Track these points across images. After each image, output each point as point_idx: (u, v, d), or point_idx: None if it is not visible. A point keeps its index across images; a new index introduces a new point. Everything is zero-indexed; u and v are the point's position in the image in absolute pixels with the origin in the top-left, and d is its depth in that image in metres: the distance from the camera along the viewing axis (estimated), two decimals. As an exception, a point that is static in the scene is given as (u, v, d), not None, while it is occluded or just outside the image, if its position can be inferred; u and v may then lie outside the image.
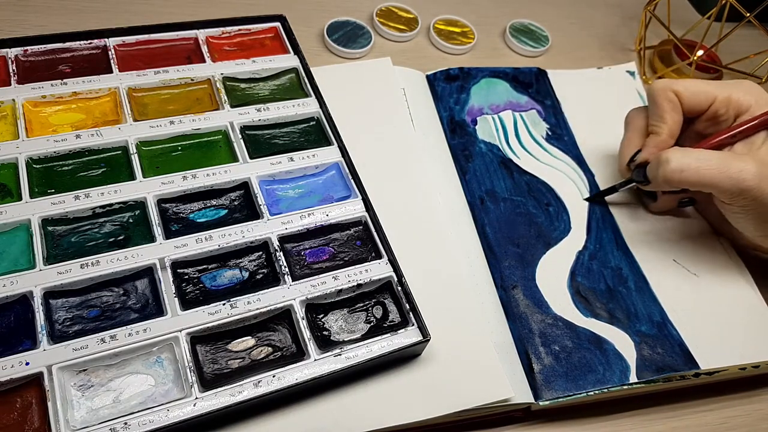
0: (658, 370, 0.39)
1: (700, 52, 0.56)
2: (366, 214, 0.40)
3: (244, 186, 0.40)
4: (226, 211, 0.39)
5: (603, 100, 0.54)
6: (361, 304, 0.37)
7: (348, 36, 0.54)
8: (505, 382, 0.36)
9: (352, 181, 0.41)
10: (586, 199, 0.47)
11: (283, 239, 0.38)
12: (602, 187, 0.48)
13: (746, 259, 0.46)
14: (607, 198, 0.47)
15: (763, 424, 0.41)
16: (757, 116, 0.40)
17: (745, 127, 0.40)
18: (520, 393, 0.37)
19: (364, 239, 0.39)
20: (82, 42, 0.44)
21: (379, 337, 0.35)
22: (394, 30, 0.56)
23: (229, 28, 0.47)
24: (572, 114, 0.52)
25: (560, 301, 0.41)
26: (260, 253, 0.38)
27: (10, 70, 0.41)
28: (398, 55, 0.55)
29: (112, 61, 0.43)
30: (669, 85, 0.42)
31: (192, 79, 0.44)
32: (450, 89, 0.51)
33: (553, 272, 0.43)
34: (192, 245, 0.36)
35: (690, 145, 0.42)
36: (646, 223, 0.47)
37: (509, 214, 0.45)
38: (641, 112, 0.45)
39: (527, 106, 0.52)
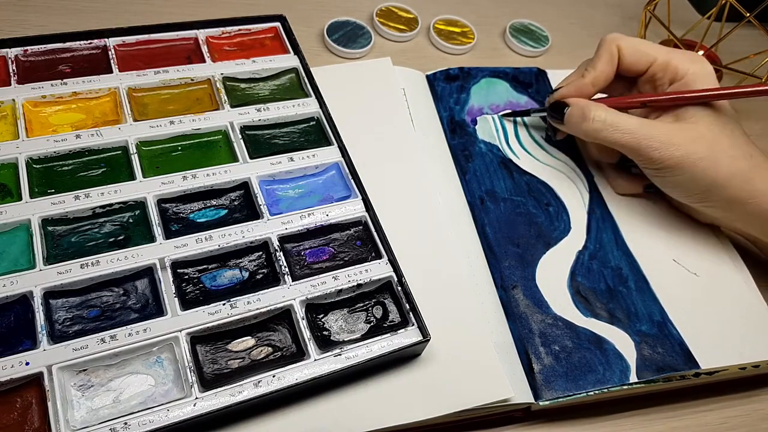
0: (658, 370, 0.39)
1: (700, 53, 0.56)
2: (366, 214, 0.40)
3: (244, 186, 0.40)
4: (226, 211, 0.39)
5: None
6: (361, 304, 0.37)
7: (348, 36, 0.54)
8: (505, 382, 0.36)
9: (352, 181, 0.41)
10: (502, 115, 0.50)
11: (283, 239, 0.38)
12: (602, 188, 0.48)
13: (746, 258, 0.46)
14: (606, 198, 0.47)
15: (763, 424, 0.41)
16: (672, 93, 0.42)
17: (652, 98, 0.42)
18: (520, 393, 0.37)
19: (364, 239, 0.39)
20: (82, 42, 0.44)
21: (379, 337, 0.35)
22: (394, 30, 0.56)
23: (229, 28, 0.47)
24: (572, 114, 0.52)
25: (560, 301, 0.41)
26: (260, 253, 0.38)
27: (10, 70, 0.41)
28: (398, 55, 0.55)
29: (112, 61, 0.43)
30: (616, 38, 0.44)
31: (192, 79, 0.44)
32: (450, 89, 0.51)
33: (553, 272, 0.43)
34: (192, 245, 0.36)
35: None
36: (646, 223, 0.47)
37: (509, 214, 0.45)
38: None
39: (527, 106, 0.52)
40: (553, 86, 0.53)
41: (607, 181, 0.48)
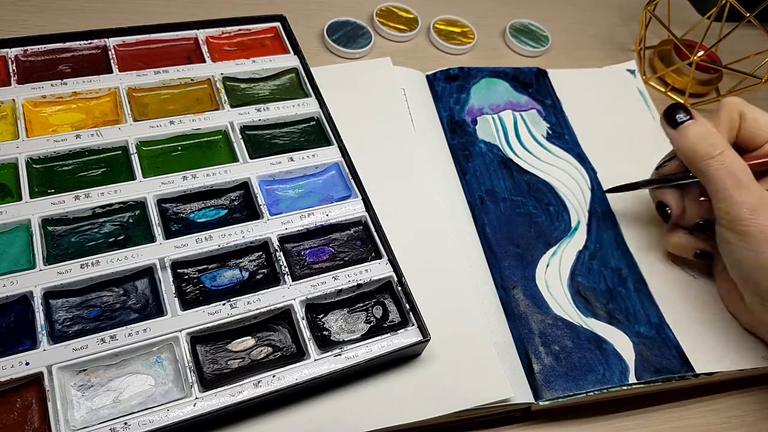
0: (655, 372, 0.39)
1: (700, 53, 0.56)
2: (366, 214, 0.40)
3: (244, 186, 0.40)
4: (226, 211, 0.39)
5: (604, 99, 0.54)
6: (361, 304, 0.37)
7: (348, 36, 0.54)
8: (505, 382, 0.36)
9: (352, 181, 0.41)
10: (607, 191, 0.47)
11: (283, 239, 0.38)
12: (604, 183, 0.48)
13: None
14: (609, 197, 0.47)
15: (763, 424, 0.41)
16: None
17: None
18: (520, 393, 0.37)
19: (364, 239, 0.39)
20: (82, 42, 0.44)
21: (379, 337, 0.35)
22: (394, 30, 0.56)
23: (229, 28, 0.47)
24: (573, 112, 0.52)
25: (560, 301, 0.41)
26: (260, 253, 0.38)
27: (10, 70, 0.41)
28: (398, 55, 0.55)
29: (112, 61, 0.43)
30: (738, 104, 0.40)
31: (192, 79, 0.44)
32: (450, 89, 0.51)
33: (553, 272, 0.43)
34: (192, 245, 0.36)
35: None
36: (646, 224, 0.47)
37: (509, 214, 0.45)
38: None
39: (527, 106, 0.52)
40: (554, 86, 0.54)
41: (663, 235, 0.45)
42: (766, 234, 0.36)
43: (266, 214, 0.38)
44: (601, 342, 0.40)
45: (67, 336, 0.33)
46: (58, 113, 0.41)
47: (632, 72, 0.57)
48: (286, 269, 0.36)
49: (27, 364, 0.31)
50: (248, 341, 0.35)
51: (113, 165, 0.39)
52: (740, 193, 0.37)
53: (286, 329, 0.35)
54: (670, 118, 0.39)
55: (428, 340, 0.35)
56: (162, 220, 0.37)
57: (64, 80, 0.41)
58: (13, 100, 0.40)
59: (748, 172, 0.37)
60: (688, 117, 0.39)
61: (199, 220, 0.38)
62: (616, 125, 0.52)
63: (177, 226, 0.38)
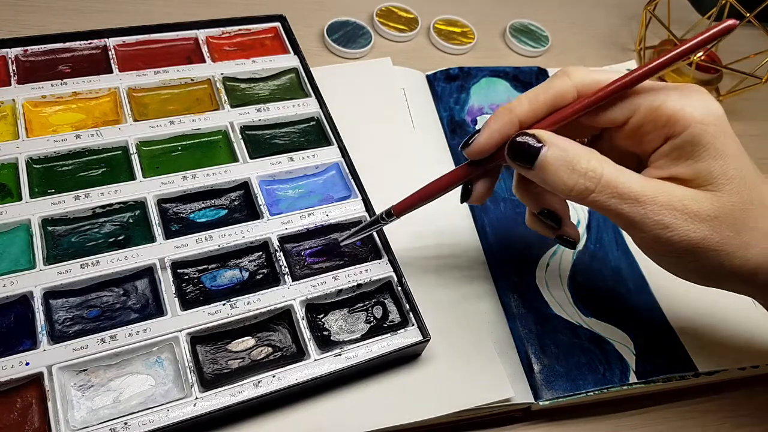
0: (656, 371, 0.39)
1: (700, 53, 0.56)
2: (366, 214, 0.40)
3: (244, 186, 0.40)
4: (226, 211, 0.39)
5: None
6: (361, 304, 0.37)
7: (348, 36, 0.54)
8: (505, 382, 0.36)
9: (352, 181, 0.41)
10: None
11: (283, 239, 0.38)
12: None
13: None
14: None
15: (763, 424, 0.41)
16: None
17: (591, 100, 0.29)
18: (520, 393, 0.37)
19: (364, 239, 0.39)
20: (82, 42, 0.44)
21: (379, 337, 0.35)
22: (394, 30, 0.56)
23: (229, 28, 0.47)
24: (572, 114, 0.52)
25: (560, 301, 0.41)
26: (260, 253, 0.38)
27: (10, 70, 0.41)
28: (398, 55, 0.55)
29: (112, 61, 0.43)
30: (582, 75, 0.30)
31: (192, 79, 0.44)
32: (450, 89, 0.51)
33: (553, 272, 0.43)
34: (192, 245, 0.36)
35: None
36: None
37: (509, 214, 0.45)
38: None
39: (527, 106, 0.52)
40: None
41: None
42: (696, 245, 0.29)
43: (266, 214, 0.38)
44: (602, 342, 0.40)
45: (67, 336, 0.33)
46: (58, 113, 0.41)
47: (632, 72, 0.57)
48: (286, 269, 0.36)
49: (27, 364, 0.31)
50: (248, 341, 0.35)
51: (113, 165, 0.39)
52: (648, 212, 0.28)
53: (286, 329, 0.35)
54: (521, 154, 0.29)
55: (428, 340, 0.35)
56: (162, 220, 0.37)
57: (64, 80, 0.41)
58: (13, 100, 0.40)
59: (635, 184, 0.28)
60: (539, 145, 0.29)
61: (199, 220, 0.38)
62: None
63: (177, 226, 0.38)
